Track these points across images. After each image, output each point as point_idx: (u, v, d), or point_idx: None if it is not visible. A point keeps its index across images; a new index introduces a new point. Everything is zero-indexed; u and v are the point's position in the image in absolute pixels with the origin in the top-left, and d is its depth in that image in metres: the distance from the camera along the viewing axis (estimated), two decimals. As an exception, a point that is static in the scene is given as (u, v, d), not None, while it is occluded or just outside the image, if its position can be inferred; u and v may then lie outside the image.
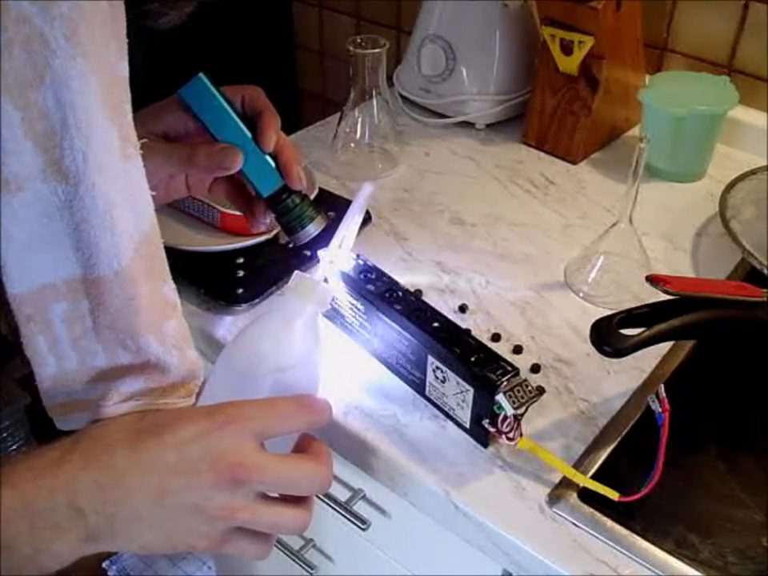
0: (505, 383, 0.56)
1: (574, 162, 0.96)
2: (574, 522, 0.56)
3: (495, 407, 0.56)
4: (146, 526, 0.42)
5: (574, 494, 0.57)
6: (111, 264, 0.44)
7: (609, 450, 0.61)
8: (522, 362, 0.67)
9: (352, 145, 0.94)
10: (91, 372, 0.47)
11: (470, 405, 0.59)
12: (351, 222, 0.53)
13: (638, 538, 0.55)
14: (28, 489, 0.40)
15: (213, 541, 0.43)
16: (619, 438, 0.62)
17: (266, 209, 0.61)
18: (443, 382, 0.61)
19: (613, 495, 0.56)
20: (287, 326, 0.49)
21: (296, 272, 0.51)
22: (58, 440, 0.43)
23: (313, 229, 0.60)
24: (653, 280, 0.59)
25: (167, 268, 0.48)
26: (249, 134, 0.58)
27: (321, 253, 0.56)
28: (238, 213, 0.69)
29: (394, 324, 0.63)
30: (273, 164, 0.59)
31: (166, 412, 0.47)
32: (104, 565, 1.59)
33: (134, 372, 0.48)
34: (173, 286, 0.49)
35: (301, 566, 0.82)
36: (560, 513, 0.57)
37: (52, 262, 0.43)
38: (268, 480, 0.43)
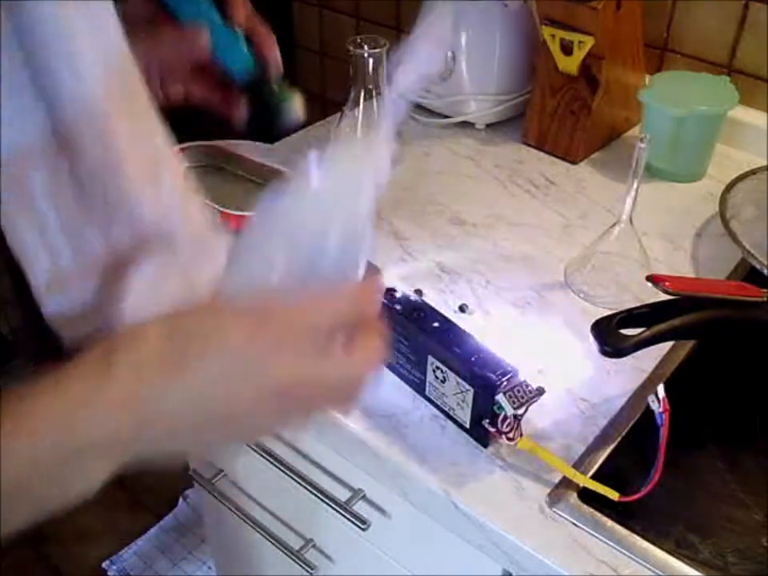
0: (505, 383, 0.56)
1: (574, 162, 0.96)
2: (574, 522, 0.56)
3: (495, 407, 0.56)
4: (189, 446, 0.41)
5: (574, 494, 0.57)
6: (78, 101, 0.39)
7: (609, 450, 0.61)
8: (522, 362, 0.67)
9: (352, 145, 0.94)
10: (88, 264, 0.41)
11: (470, 405, 0.59)
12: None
13: (638, 537, 0.55)
14: (57, 428, 0.35)
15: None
16: (619, 438, 0.62)
17: (242, 97, 0.58)
18: (443, 381, 0.61)
19: (613, 495, 0.56)
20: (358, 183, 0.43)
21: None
22: (78, 361, 0.36)
23: (294, 113, 0.58)
24: (653, 280, 0.59)
25: (156, 118, 0.42)
26: (215, 12, 0.54)
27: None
28: (238, 212, 0.69)
29: (393, 324, 0.63)
30: (245, 46, 0.56)
31: (199, 320, 0.37)
32: (104, 565, 1.59)
33: (135, 255, 0.41)
34: (166, 139, 0.42)
35: (301, 566, 0.82)
36: (560, 513, 0.57)
37: (17, 113, 0.38)
38: (332, 393, 0.39)
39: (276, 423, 0.40)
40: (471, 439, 0.61)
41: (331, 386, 0.38)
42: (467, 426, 0.61)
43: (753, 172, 0.86)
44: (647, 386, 0.66)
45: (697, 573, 0.54)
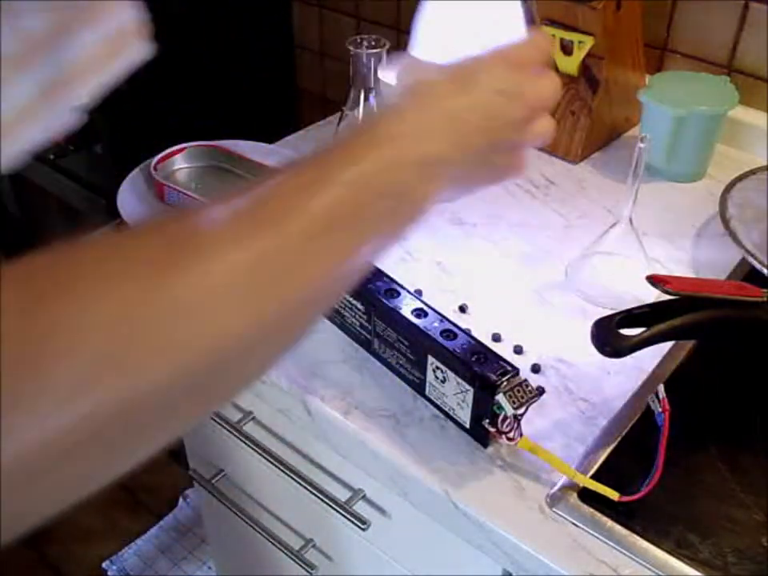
0: (505, 383, 0.56)
1: (574, 162, 0.96)
2: (574, 522, 0.56)
3: (495, 407, 0.56)
4: (480, 166, 0.51)
5: (574, 494, 0.57)
6: None
7: (609, 450, 0.61)
8: (522, 362, 0.67)
9: (352, 145, 0.94)
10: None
11: (470, 405, 0.59)
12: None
13: (638, 538, 0.55)
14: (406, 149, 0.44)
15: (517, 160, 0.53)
16: (619, 438, 0.62)
17: None
18: (443, 382, 0.61)
19: (613, 495, 0.56)
20: None
21: None
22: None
23: None
24: (653, 280, 0.59)
25: None
26: None
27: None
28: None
29: (394, 324, 0.63)
30: None
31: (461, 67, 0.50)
32: (104, 565, 1.60)
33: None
34: None
35: (301, 565, 0.83)
36: (560, 513, 0.57)
37: None
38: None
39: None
40: (471, 439, 0.61)
41: (546, 97, 0.52)
42: (467, 426, 0.61)
43: (753, 172, 0.86)
44: (647, 386, 0.66)
45: (697, 573, 0.54)
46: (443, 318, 0.62)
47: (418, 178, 0.45)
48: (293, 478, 0.76)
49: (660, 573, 0.53)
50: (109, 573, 1.59)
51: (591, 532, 0.55)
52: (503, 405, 0.56)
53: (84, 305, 0.29)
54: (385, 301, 0.63)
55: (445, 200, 0.52)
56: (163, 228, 0.35)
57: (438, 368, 0.60)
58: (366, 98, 0.90)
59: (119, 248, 0.33)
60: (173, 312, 0.31)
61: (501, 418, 0.57)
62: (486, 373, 0.57)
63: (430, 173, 0.46)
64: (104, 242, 0.34)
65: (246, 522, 0.87)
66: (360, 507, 0.72)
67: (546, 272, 0.79)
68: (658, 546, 0.55)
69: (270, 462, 0.77)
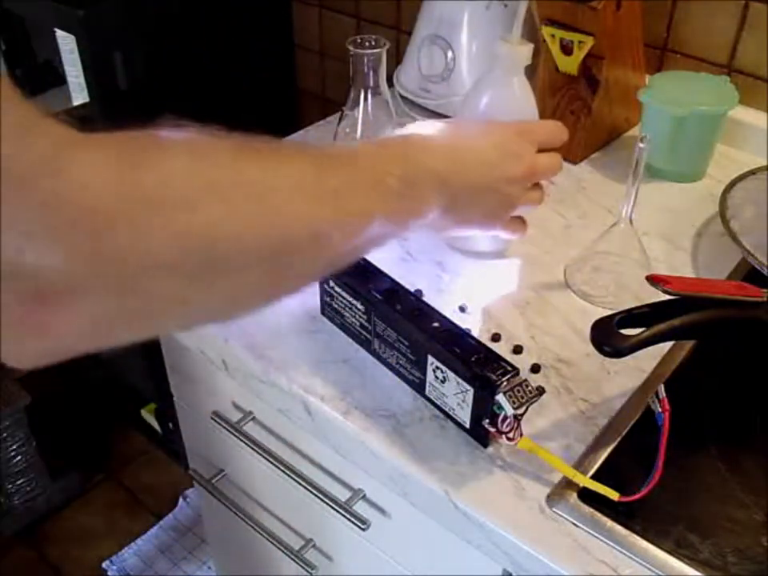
0: (505, 383, 0.56)
1: (574, 162, 0.96)
2: (574, 522, 0.56)
3: (495, 407, 0.56)
4: (475, 204, 0.59)
5: (574, 494, 0.57)
6: None
7: (609, 450, 0.61)
8: (522, 362, 0.67)
9: (352, 145, 0.94)
10: None
11: (470, 405, 0.59)
12: None
13: (638, 538, 0.55)
14: (398, 163, 0.53)
15: (507, 214, 0.65)
16: (619, 438, 0.62)
17: None
18: (443, 382, 0.61)
19: (613, 495, 0.56)
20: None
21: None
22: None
23: None
24: (653, 280, 0.59)
25: None
26: None
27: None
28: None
29: (394, 324, 0.63)
30: None
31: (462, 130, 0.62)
32: (104, 565, 1.60)
33: None
34: None
35: (301, 566, 0.83)
36: (560, 513, 0.57)
37: None
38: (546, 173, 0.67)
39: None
40: (471, 439, 0.61)
41: (544, 169, 0.66)
42: (467, 426, 0.61)
43: (753, 172, 0.86)
44: (647, 386, 0.66)
45: (697, 573, 0.54)
46: (443, 317, 0.62)
47: (429, 184, 0.54)
48: (293, 478, 0.76)
49: (660, 573, 0.53)
50: (109, 573, 1.59)
51: (591, 532, 0.55)
52: (503, 405, 0.56)
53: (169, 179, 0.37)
54: (385, 301, 0.63)
55: (437, 228, 0.61)
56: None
57: (437, 368, 0.60)
58: (366, 98, 0.90)
59: (200, 141, 0.41)
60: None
61: (501, 417, 0.57)
62: (486, 373, 0.57)
63: (439, 184, 0.55)
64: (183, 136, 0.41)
65: (246, 522, 0.87)
66: (360, 507, 0.72)
67: (546, 272, 0.79)
68: (658, 546, 0.55)
69: (270, 461, 0.77)
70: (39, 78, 1.46)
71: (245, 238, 0.40)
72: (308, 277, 0.50)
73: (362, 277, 0.65)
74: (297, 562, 0.83)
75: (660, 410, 0.58)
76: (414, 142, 0.56)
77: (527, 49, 0.70)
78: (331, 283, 0.68)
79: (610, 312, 0.59)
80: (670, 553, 0.55)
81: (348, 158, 0.51)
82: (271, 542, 0.85)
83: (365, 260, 0.67)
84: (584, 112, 0.94)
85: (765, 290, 0.63)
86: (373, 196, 0.50)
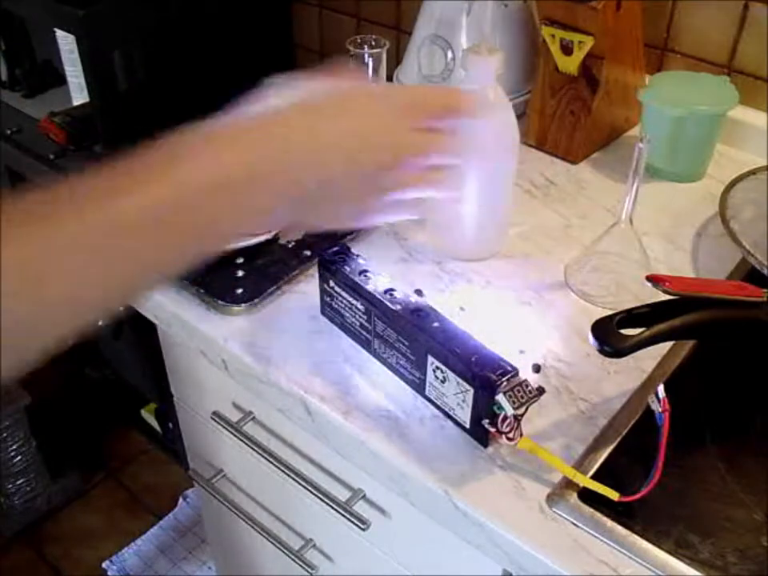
0: (505, 383, 0.56)
1: (574, 162, 0.96)
2: (574, 522, 0.56)
3: (495, 407, 0.56)
4: (337, 197, 0.51)
5: (574, 494, 0.57)
6: None
7: (609, 450, 0.61)
8: (522, 362, 0.67)
9: (352, 145, 0.94)
10: None
11: (470, 405, 0.59)
12: None
13: (638, 538, 0.55)
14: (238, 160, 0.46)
15: (383, 204, 0.53)
16: (619, 438, 0.62)
17: None
18: (443, 382, 0.61)
19: (613, 495, 0.56)
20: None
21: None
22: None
23: None
24: (653, 280, 0.59)
25: None
26: None
27: None
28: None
29: (394, 324, 0.63)
30: None
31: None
32: (104, 565, 1.60)
33: None
34: None
35: (301, 566, 0.83)
36: (560, 513, 0.57)
37: None
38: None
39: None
40: (471, 439, 0.61)
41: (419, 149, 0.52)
42: (467, 426, 0.61)
43: (753, 172, 0.86)
44: (647, 386, 0.66)
45: (697, 573, 0.54)
46: (443, 317, 0.62)
47: (276, 179, 0.47)
48: (293, 478, 0.76)
49: (660, 573, 0.53)
50: (109, 573, 1.59)
51: (591, 532, 0.55)
52: (503, 405, 0.56)
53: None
54: (385, 301, 0.63)
55: (305, 223, 0.55)
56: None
57: (438, 368, 0.60)
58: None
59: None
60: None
61: (501, 417, 0.57)
62: (486, 373, 0.57)
63: (288, 182, 0.48)
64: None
65: (246, 522, 0.87)
66: (360, 507, 0.72)
67: (546, 272, 0.79)
68: (658, 546, 0.55)
69: (270, 461, 0.77)
70: (39, 78, 1.46)
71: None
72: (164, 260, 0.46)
73: (362, 277, 0.65)
74: (297, 562, 0.83)
75: (660, 409, 0.58)
76: (266, 128, 0.48)
77: (496, 59, 0.68)
78: (331, 283, 0.68)
79: (610, 312, 0.59)
80: (670, 553, 0.55)
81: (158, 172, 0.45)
82: (271, 542, 0.85)
83: (365, 260, 0.67)
84: (584, 112, 0.94)
85: (765, 290, 0.63)
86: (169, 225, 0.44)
